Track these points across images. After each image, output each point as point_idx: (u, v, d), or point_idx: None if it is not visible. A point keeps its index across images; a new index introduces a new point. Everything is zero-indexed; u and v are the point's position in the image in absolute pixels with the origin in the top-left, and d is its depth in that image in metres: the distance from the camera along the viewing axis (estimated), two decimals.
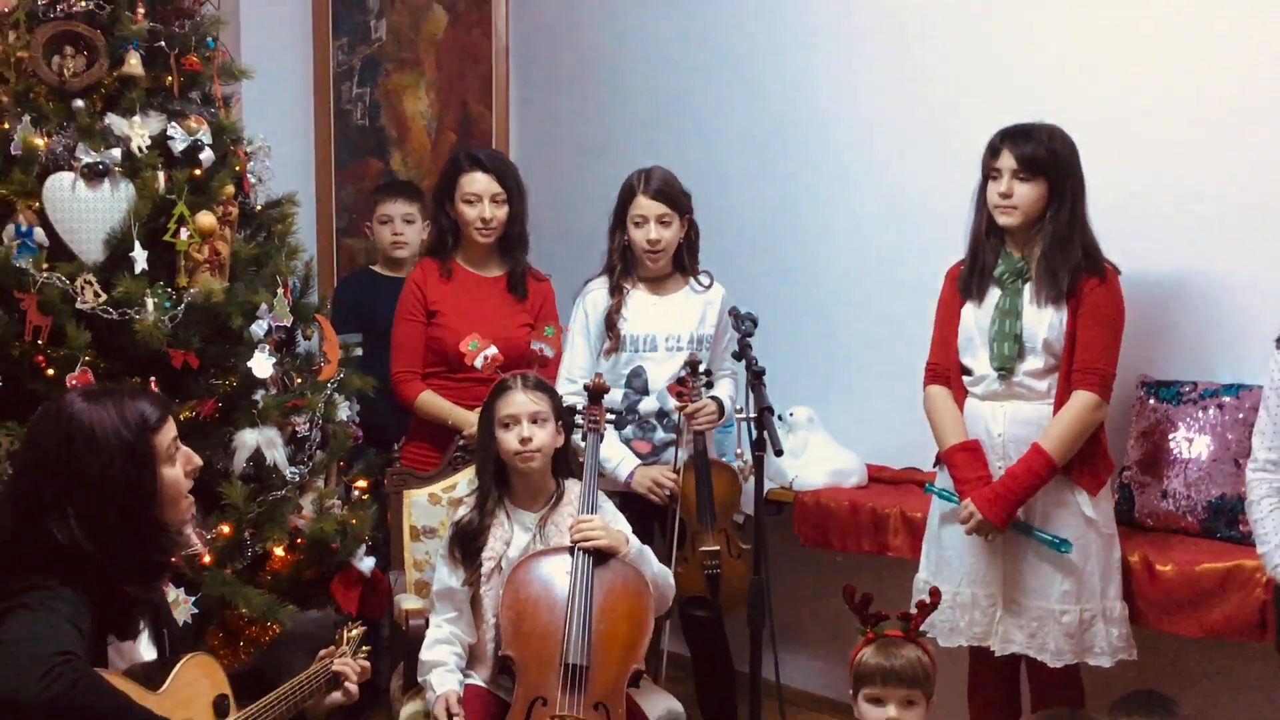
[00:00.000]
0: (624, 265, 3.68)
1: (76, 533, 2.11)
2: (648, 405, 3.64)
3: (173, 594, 2.93)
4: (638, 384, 3.64)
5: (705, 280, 3.72)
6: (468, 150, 3.92)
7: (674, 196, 3.61)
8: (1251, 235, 3.33)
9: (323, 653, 2.57)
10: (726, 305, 3.68)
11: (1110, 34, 3.55)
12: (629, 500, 3.54)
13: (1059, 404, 3.09)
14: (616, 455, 3.59)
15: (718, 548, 3.44)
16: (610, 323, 3.64)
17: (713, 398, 3.56)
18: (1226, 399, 3.27)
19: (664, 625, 3.43)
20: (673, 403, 3.57)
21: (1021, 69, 3.73)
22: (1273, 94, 3.28)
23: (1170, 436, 3.33)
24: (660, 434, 3.65)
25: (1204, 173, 3.40)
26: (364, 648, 2.66)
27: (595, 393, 3.35)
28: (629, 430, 3.65)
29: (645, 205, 3.58)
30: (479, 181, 3.72)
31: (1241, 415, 3.22)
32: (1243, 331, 3.32)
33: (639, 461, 3.60)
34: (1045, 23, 3.69)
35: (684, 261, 3.71)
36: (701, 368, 3.50)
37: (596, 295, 3.69)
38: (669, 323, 3.65)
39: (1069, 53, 3.63)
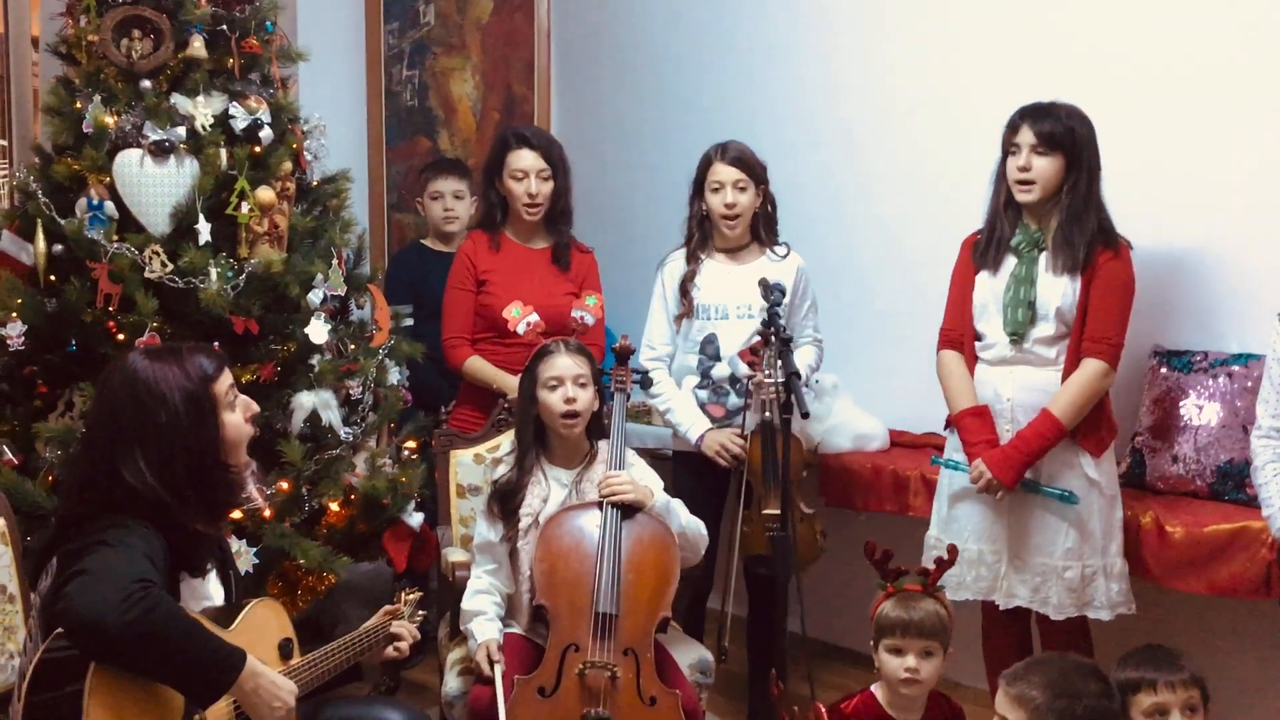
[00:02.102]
0: (701, 234, 3.62)
1: (148, 477, 2.15)
2: (720, 371, 3.58)
3: (235, 545, 2.96)
4: (710, 350, 3.58)
5: (782, 250, 3.64)
6: (515, 129, 3.87)
7: (749, 164, 3.55)
8: (1262, 210, 3.27)
9: (387, 608, 2.63)
10: (803, 273, 3.63)
11: (1123, 12, 3.49)
12: (704, 460, 3.52)
13: (1067, 371, 3.06)
14: (689, 419, 3.56)
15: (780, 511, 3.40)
16: (684, 290, 3.60)
17: None
18: (1235, 368, 3.22)
19: (728, 591, 3.43)
20: (744, 369, 3.52)
21: (1035, 47, 3.68)
22: None
23: (1181, 403, 3.29)
24: (734, 399, 3.56)
25: (1216, 149, 3.35)
26: (420, 612, 2.70)
27: (621, 354, 3.31)
28: (704, 394, 3.59)
29: (722, 171, 3.53)
30: (526, 158, 3.69)
31: (1250, 384, 3.17)
32: (1252, 303, 3.27)
33: (710, 425, 3.55)
34: (1059, 2, 3.63)
35: (761, 232, 3.64)
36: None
37: (674, 265, 3.65)
38: (741, 291, 3.54)
39: (1082, 30, 3.57)
